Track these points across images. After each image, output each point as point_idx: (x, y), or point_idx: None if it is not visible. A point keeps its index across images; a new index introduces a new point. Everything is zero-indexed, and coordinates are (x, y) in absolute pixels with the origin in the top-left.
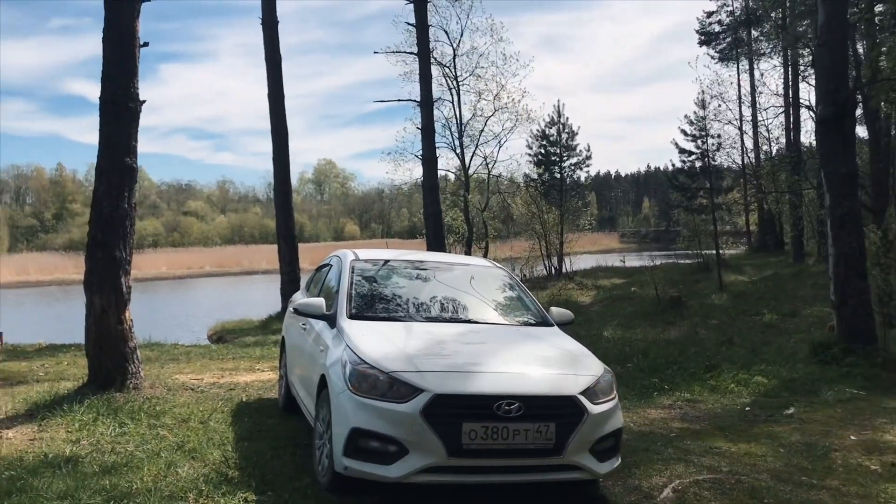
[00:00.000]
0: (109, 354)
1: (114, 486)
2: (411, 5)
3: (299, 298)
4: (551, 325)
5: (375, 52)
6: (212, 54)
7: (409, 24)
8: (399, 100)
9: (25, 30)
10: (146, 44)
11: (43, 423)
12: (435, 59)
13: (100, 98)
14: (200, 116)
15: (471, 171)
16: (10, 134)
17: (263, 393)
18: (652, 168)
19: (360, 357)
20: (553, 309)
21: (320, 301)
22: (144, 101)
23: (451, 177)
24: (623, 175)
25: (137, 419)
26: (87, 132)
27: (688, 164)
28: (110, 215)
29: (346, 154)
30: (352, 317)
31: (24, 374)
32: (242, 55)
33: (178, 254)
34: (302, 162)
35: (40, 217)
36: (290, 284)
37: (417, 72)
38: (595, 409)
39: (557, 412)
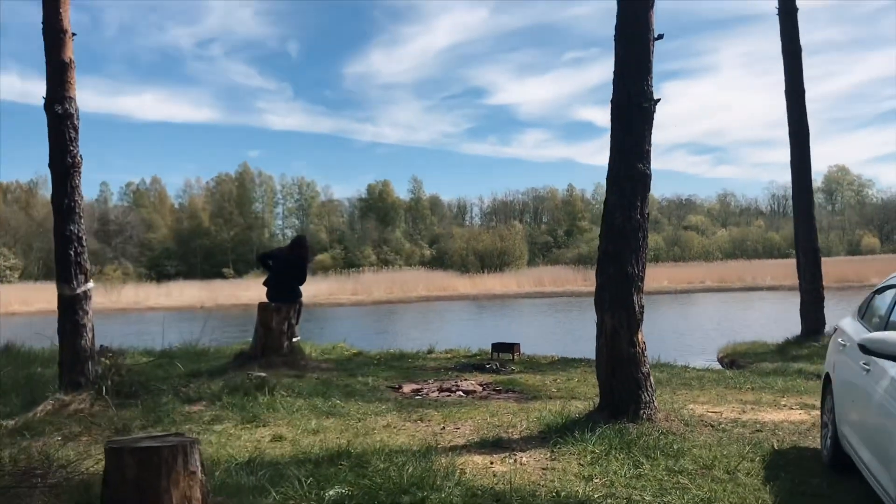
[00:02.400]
0: (621, 379)
1: None
2: None
3: (851, 328)
4: None
5: None
6: (712, 68)
7: None
8: None
9: (543, 66)
10: (661, 36)
11: (555, 450)
12: None
13: (611, 101)
14: (700, 131)
15: None
16: (530, 160)
17: (798, 439)
18: None
19: None
20: None
21: None
22: (658, 100)
23: None
24: None
25: (653, 458)
26: (594, 154)
27: None
28: (622, 226)
29: (862, 159)
30: None
31: (538, 389)
32: (744, 65)
33: (678, 268)
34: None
35: (554, 234)
36: (811, 305)
37: None
38: None
39: None
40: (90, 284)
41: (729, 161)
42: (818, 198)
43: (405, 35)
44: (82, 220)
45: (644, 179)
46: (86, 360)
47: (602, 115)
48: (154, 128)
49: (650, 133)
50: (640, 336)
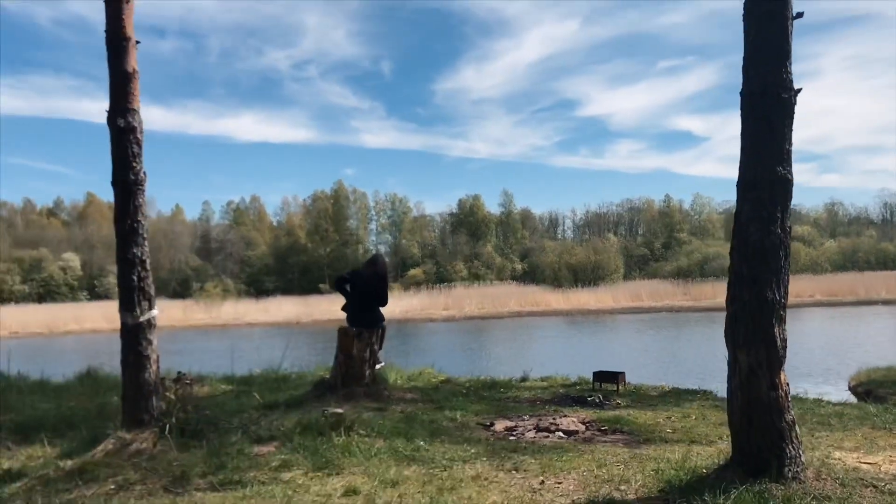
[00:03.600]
0: (760, 430)
1: None
2: None
3: None
4: None
5: None
6: (815, 72)
7: None
8: None
9: (636, 76)
10: (800, 14)
11: None
12: None
13: (742, 92)
14: (804, 138)
15: None
16: (623, 171)
17: None
18: None
19: None
20: None
21: None
22: (800, 90)
23: None
24: None
25: None
26: (691, 164)
27: None
28: (760, 243)
29: None
30: None
31: (651, 429)
32: (849, 68)
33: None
34: None
35: (650, 246)
36: None
37: None
38: None
39: None
40: (154, 312)
41: (835, 169)
42: None
43: (495, 50)
44: (146, 242)
45: (785, 185)
46: (149, 395)
47: (699, 124)
48: (254, 148)
49: (791, 129)
50: (782, 377)
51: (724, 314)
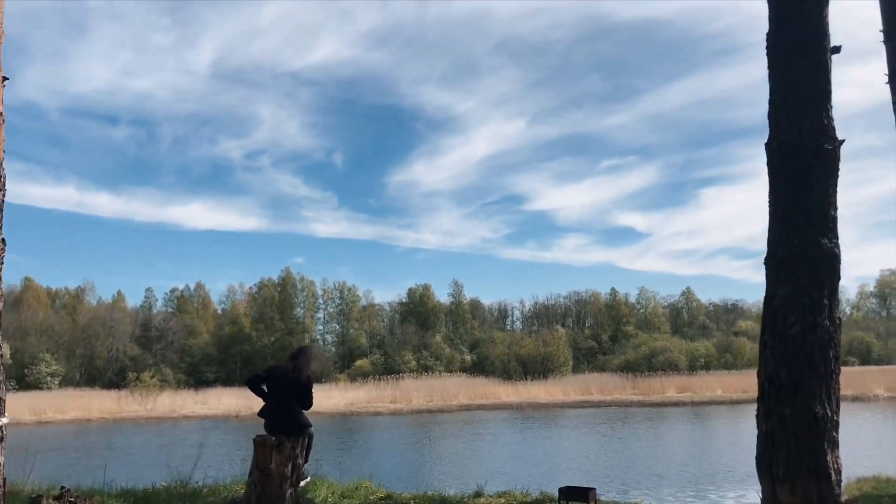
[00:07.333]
0: None
1: None
2: None
3: None
4: None
5: None
6: (749, 174)
7: None
8: None
9: (581, 174)
10: (837, 49)
11: None
12: None
13: (767, 145)
14: (742, 236)
15: None
16: (569, 264)
17: None
18: None
19: None
20: None
21: None
22: (843, 141)
23: None
24: None
25: None
26: (634, 259)
27: None
28: (801, 338)
29: None
30: None
31: None
32: None
33: (731, 376)
34: (857, 275)
35: (598, 339)
36: None
37: None
38: None
39: None
40: (4, 420)
41: None
42: (871, 303)
43: (446, 145)
44: None
45: (832, 262)
46: None
47: (641, 220)
48: (202, 236)
49: (836, 190)
50: None
51: (673, 410)
